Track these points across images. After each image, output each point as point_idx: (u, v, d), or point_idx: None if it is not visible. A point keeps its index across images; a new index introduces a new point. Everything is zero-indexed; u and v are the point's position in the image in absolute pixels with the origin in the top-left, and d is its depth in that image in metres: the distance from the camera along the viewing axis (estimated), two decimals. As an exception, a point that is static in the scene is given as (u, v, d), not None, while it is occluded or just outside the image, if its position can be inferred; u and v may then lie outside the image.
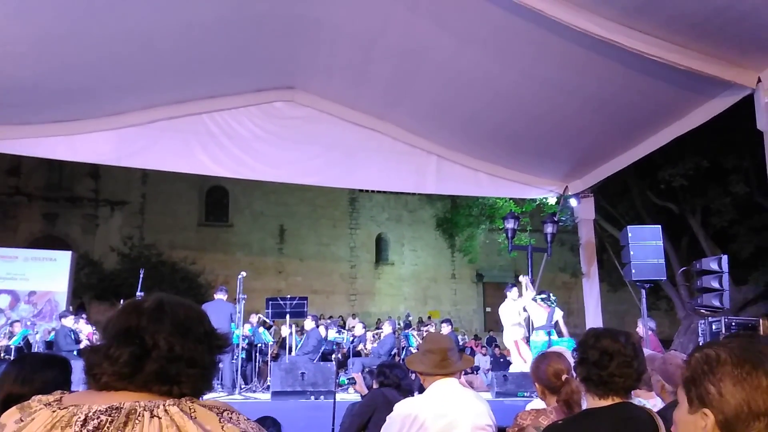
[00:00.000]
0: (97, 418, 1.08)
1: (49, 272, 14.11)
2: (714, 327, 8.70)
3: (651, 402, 2.97)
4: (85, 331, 10.09)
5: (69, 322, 9.82)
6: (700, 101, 7.84)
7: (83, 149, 9.53)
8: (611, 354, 2.00)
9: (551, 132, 9.39)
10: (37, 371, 2.16)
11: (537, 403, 3.11)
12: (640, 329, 8.51)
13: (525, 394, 8.37)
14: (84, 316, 10.91)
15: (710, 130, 9.21)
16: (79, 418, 1.08)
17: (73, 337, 9.60)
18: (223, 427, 1.10)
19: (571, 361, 2.41)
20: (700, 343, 9.51)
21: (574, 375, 2.38)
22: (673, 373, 3.07)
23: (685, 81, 7.17)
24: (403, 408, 2.76)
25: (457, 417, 2.70)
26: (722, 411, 1.05)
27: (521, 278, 10.19)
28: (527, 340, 9.82)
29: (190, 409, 1.12)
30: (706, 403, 1.08)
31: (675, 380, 3.06)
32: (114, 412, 1.09)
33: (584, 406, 2.29)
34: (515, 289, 10.14)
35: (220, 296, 9.88)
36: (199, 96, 9.69)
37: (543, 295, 9.79)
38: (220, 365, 9.92)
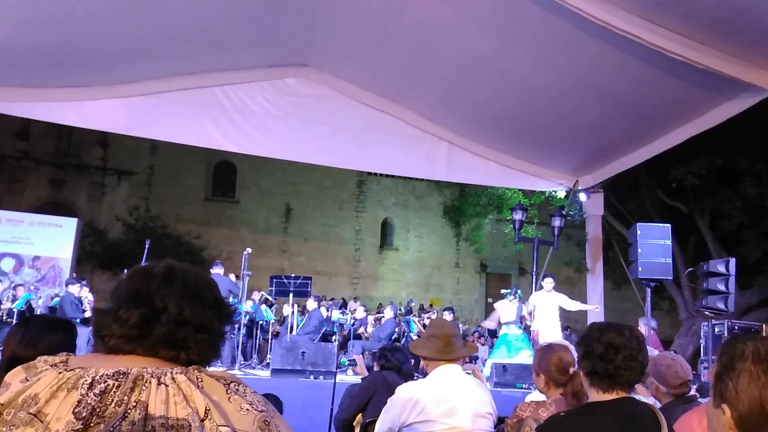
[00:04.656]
0: (104, 382, 1.06)
1: (54, 238, 14.19)
2: (717, 330, 8.68)
3: (650, 401, 2.95)
4: (88, 299, 10.12)
5: (75, 289, 9.82)
6: (717, 101, 7.74)
7: (93, 116, 9.47)
8: (617, 347, 1.98)
9: (564, 124, 9.30)
10: (43, 334, 2.16)
11: (536, 395, 3.11)
12: (642, 328, 8.48)
13: (524, 385, 8.39)
14: (85, 283, 10.94)
15: (724, 129, 9.10)
16: (86, 381, 1.07)
17: (78, 304, 9.64)
18: (230, 398, 1.09)
19: (575, 354, 2.40)
20: (702, 345, 9.52)
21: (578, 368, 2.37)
22: (665, 373, 3.05)
23: (703, 80, 7.08)
24: (405, 391, 2.75)
25: (458, 403, 2.70)
26: (737, 408, 1.02)
27: (545, 281, 9.87)
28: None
29: (197, 378, 1.10)
30: (725, 398, 1.05)
31: (667, 380, 3.05)
32: (121, 377, 1.07)
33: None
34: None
35: (217, 270, 9.82)
36: (210, 68, 9.62)
37: (508, 290, 10.13)
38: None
